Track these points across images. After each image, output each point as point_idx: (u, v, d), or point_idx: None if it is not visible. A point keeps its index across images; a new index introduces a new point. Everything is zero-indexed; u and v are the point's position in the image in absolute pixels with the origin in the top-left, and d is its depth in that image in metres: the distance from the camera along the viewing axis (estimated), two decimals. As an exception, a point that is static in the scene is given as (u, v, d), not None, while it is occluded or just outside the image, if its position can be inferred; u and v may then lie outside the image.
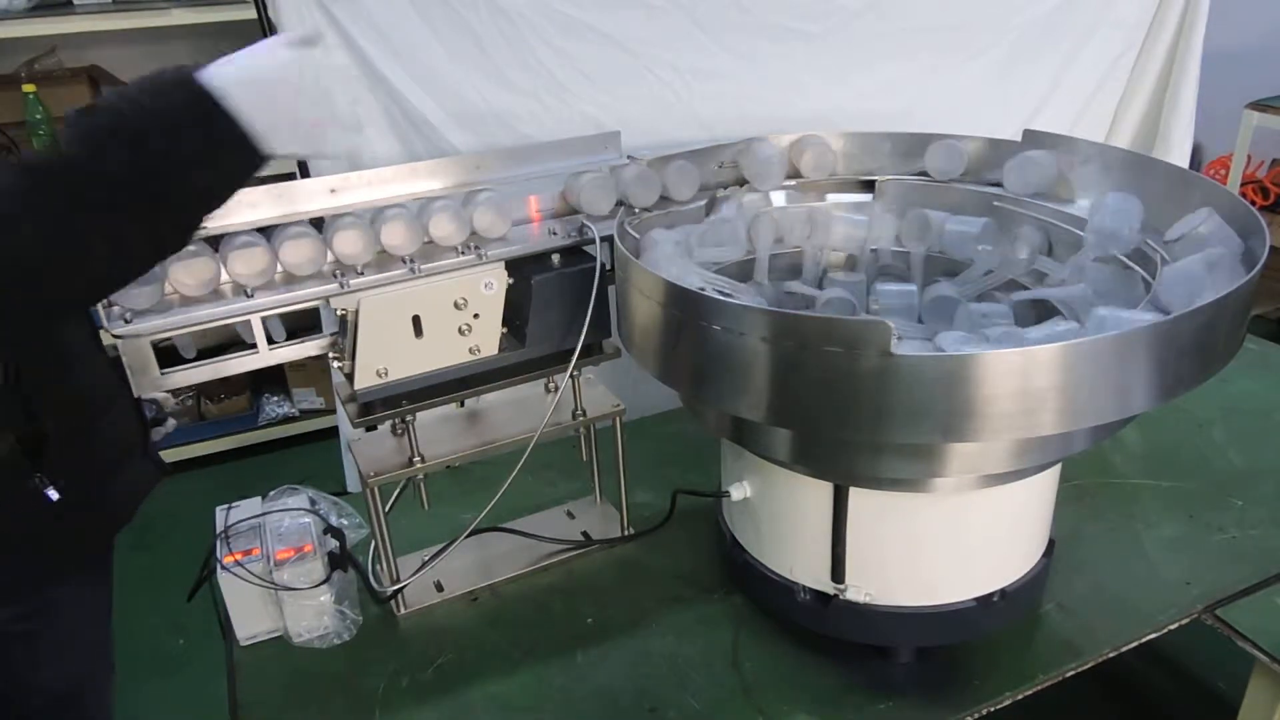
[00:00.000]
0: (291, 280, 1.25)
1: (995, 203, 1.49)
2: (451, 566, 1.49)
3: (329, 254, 1.27)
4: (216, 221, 1.23)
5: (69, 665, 1.28)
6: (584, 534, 1.59)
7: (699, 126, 1.97)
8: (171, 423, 1.46)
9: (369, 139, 1.80)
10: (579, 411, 1.49)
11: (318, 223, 1.29)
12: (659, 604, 1.44)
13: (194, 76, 0.87)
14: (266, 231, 1.25)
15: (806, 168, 1.61)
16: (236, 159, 0.90)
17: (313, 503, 1.44)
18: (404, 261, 1.29)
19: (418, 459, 1.39)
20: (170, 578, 1.54)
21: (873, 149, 1.63)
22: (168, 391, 1.37)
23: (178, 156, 0.86)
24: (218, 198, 0.93)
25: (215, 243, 1.22)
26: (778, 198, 1.60)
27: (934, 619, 1.26)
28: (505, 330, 1.38)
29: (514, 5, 1.76)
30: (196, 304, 1.20)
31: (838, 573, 1.25)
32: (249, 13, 1.72)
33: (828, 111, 2.05)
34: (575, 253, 1.41)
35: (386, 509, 1.42)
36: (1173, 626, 1.36)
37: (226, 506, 1.43)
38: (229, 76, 0.87)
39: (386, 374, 1.30)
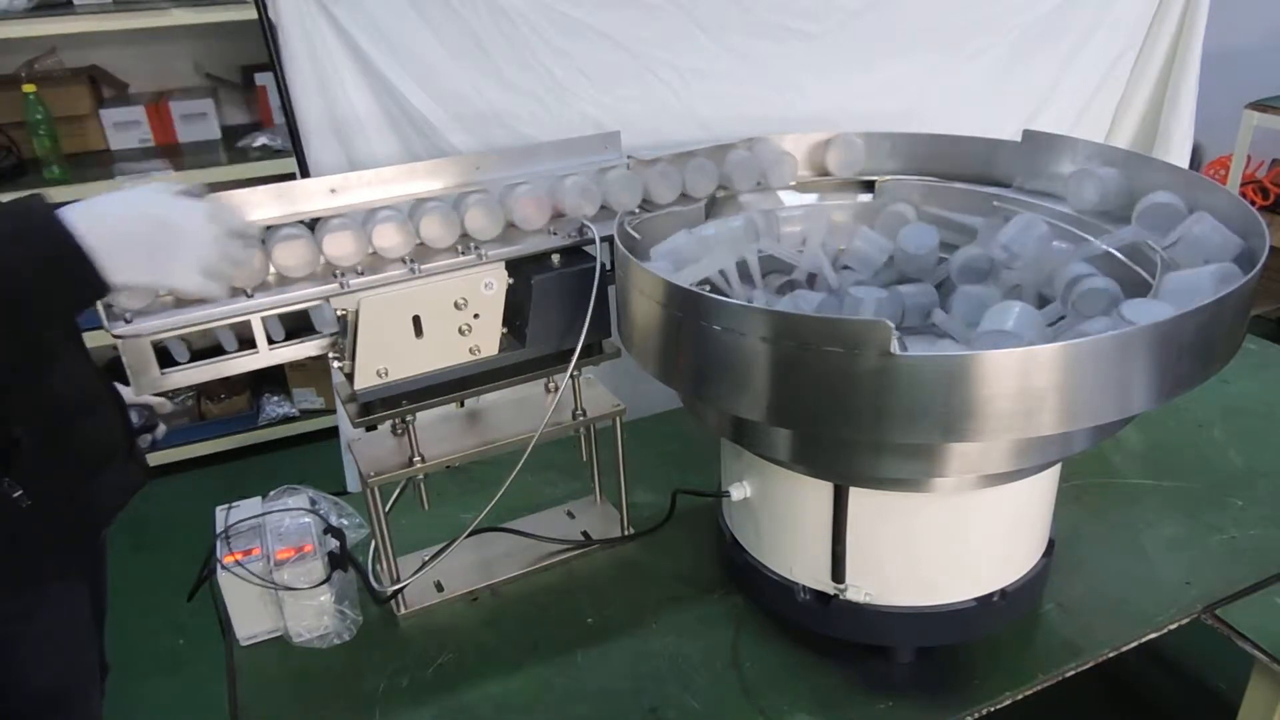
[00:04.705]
0: (287, 281, 1.25)
1: (995, 203, 1.49)
2: (451, 566, 1.49)
3: (322, 256, 1.26)
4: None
5: (50, 668, 1.27)
6: (584, 534, 1.59)
7: (699, 126, 1.96)
8: (162, 429, 1.45)
9: (369, 139, 1.81)
10: (579, 411, 1.49)
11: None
12: (659, 604, 1.44)
13: (42, 203, 0.94)
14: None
15: (833, 166, 1.63)
16: (67, 273, 0.94)
17: (313, 503, 1.44)
18: (404, 262, 1.29)
19: (418, 459, 1.39)
20: (170, 578, 1.54)
21: (874, 148, 1.63)
22: (164, 396, 1.37)
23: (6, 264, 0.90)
24: (49, 312, 0.98)
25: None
26: (778, 198, 1.60)
27: (934, 619, 1.26)
28: (505, 330, 1.38)
29: (514, 5, 1.75)
30: (197, 304, 1.20)
31: (838, 573, 1.25)
32: (249, 13, 1.72)
33: (828, 111, 2.05)
34: (575, 253, 1.41)
35: (386, 509, 1.42)
36: (1173, 626, 1.36)
37: (226, 506, 1.43)
38: (76, 207, 0.94)
39: (386, 374, 1.30)
